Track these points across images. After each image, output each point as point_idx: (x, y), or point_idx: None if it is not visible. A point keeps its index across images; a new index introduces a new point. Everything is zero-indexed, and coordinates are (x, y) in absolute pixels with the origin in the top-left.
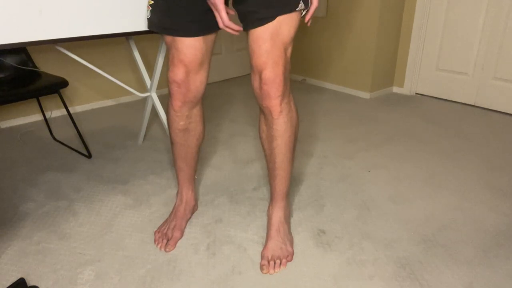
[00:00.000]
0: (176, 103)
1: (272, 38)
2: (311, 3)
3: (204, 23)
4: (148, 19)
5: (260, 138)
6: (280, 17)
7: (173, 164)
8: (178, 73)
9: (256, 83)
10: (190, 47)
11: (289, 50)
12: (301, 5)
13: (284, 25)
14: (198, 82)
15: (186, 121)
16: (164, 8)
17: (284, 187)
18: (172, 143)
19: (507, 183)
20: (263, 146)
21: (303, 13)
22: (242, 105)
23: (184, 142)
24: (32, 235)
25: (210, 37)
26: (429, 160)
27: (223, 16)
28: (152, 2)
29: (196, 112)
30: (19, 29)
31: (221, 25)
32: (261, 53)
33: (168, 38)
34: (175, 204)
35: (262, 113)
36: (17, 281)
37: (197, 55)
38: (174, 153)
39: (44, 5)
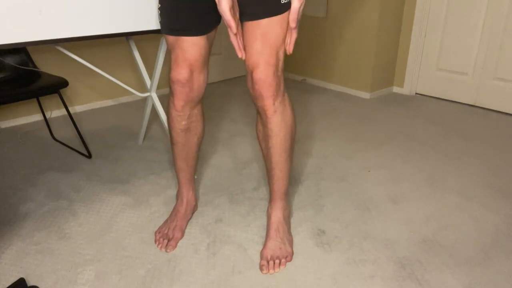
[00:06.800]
0: (179, 103)
1: (262, 37)
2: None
3: (207, 20)
4: (160, 22)
5: (257, 137)
6: (270, 19)
7: (173, 164)
8: (182, 73)
9: (249, 83)
10: (195, 45)
11: (282, 51)
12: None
13: (274, 26)
14: (201, 80)
15: (188, 120)
16: (170, 10)
17: (282, 187)
18: (173, 143)
19: (507, 183)
20: (260, 145)
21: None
22: (242, 105)
23: (185, 142)
24: (32, 235)
25: (212, 33)
26: (429, 160)
27: (232, 25)
28: (160, 5)
29: (197, 111)
30: (19, 29)
31: (231, 31)
32: (252, 53)
33: (171, 39)
34: (175, 204)
35: (257, 112)
36: (17, 281)
37: (202, 53)
38: (175, 154)
39: (44, 5)
